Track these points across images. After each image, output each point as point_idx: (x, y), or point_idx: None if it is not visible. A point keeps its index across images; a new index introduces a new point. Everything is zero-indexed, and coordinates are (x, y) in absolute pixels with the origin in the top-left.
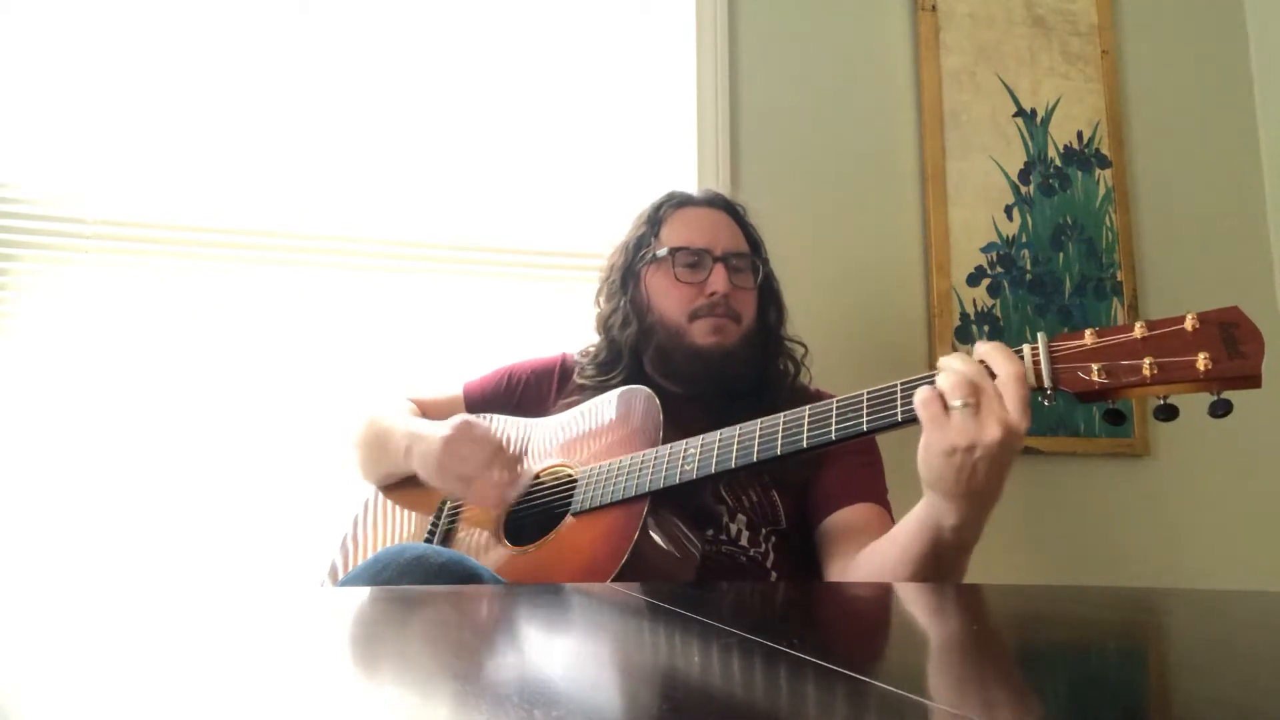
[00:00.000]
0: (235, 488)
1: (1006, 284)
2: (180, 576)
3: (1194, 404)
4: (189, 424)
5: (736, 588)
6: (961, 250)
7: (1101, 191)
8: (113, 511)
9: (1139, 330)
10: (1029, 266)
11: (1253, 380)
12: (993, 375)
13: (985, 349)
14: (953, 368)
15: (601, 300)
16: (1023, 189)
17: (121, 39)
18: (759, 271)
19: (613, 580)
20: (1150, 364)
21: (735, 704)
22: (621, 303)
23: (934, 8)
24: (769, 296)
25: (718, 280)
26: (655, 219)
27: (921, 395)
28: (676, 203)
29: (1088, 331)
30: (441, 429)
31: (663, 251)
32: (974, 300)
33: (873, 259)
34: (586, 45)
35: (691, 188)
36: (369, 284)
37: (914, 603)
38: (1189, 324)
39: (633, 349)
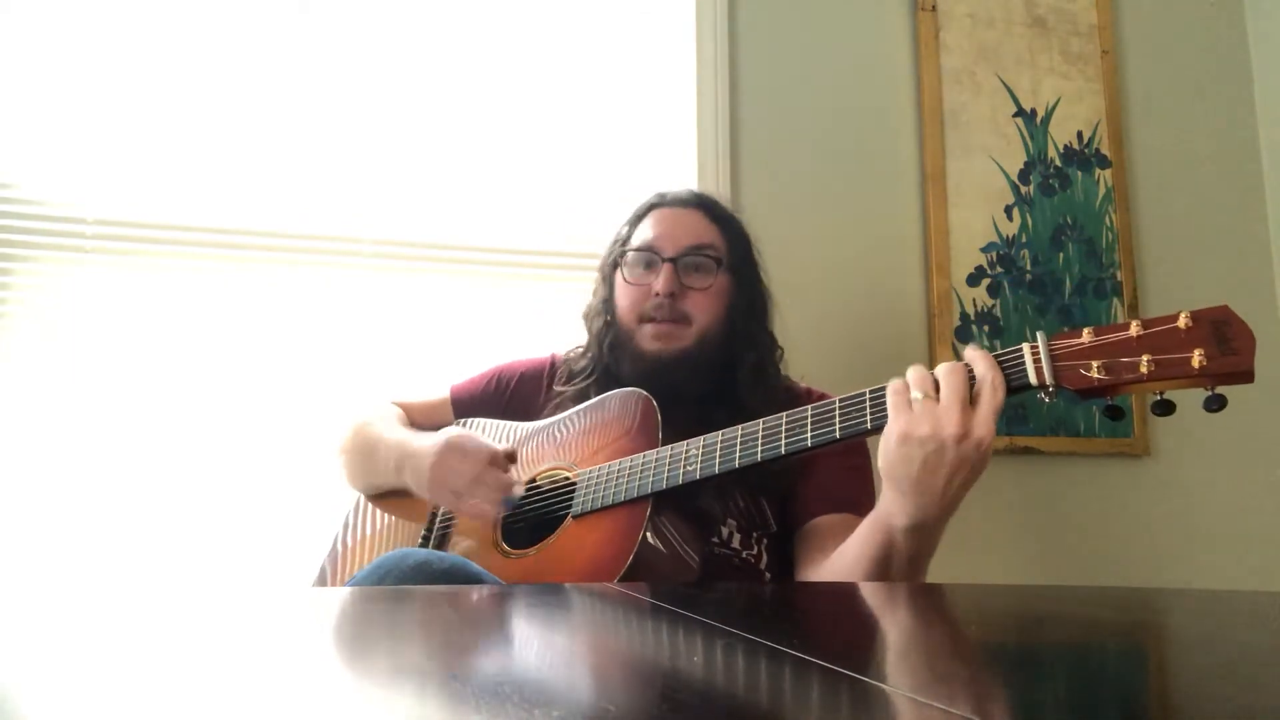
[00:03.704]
0: (234, 487)
1: (1006, 284)
2: (179, 575)
3: (1192, 406)
4: (188, 423)
5: (737, 588)
6: (961, 250)
7: (1101, 191)
8: (112, 510)
9: (1134, 329)
10: (1029, 266)
11: (1246, 375)
12: (974, 380)
13: (972, 354)
14: (921, 370)
15: (595, 293)
16: (1023, 189)
17: (121, 39)
18: (721, 270)
19: (617, 582)
20: (1148, 361)
21: (735, 704)
22: (600, 299)
23: (934, 8)
24: (743, 294)
25: (662, 281)
26: (636, 218)
27: (892, 384)
28: (653, 203)
29: (1085, 330)
30: (432, 444)
31: (622, 251)
32: (974, 300)
33: (873, 259)
34: (586, 46)
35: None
36: (370, 284)
37: (913, 603)
38: (1182, 322)
39: (600, 344)
